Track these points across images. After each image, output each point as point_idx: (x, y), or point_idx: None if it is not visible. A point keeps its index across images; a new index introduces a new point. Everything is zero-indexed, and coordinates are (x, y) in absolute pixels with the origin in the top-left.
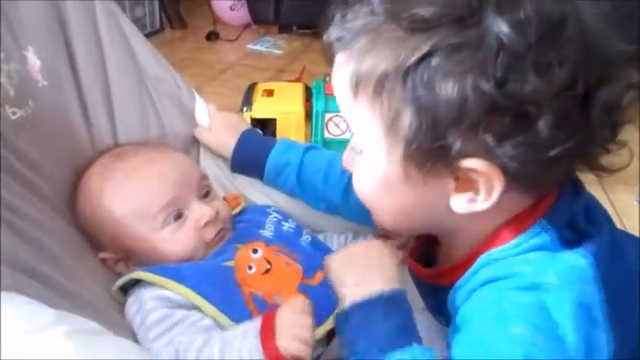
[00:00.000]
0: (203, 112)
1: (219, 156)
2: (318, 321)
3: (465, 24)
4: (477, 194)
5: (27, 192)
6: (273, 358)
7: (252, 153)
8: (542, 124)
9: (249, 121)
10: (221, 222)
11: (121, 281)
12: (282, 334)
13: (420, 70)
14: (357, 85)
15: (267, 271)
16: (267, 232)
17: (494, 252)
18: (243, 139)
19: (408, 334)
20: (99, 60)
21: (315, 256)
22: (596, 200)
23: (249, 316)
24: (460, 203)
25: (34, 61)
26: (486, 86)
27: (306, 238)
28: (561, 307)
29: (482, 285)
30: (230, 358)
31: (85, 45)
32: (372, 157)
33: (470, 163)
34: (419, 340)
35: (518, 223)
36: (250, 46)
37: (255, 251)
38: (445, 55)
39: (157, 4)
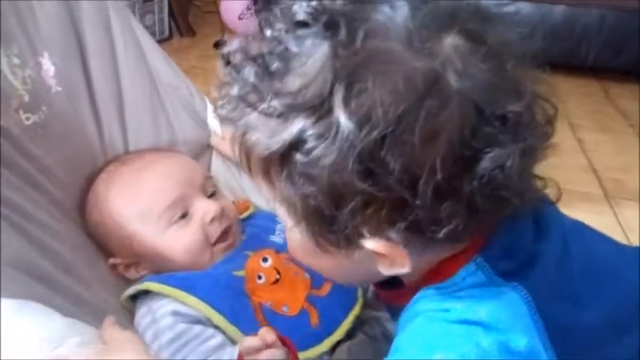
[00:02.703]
0: (216, 119)
1: (235, 163)
2: (326, 333)
3: (318, 114)
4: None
5: (41, 197)
6: None
7: None
8: (420, 208)
9: None
10: (227, 220)
11: (129, 291)
12: None
13: (292, 162)
14: (247, 164)
15: (277, 281)
16: (278, 238)
17: (430, 289)
18: None
19: None
20: (112, 66)
21: None
22: (548, 209)
23: (257, 327)
24: (384, 268)
25: (48, 67)
26: (352, 181)
27: None
28: (489, 343)
29: (417, 316)
30: None
31: (99, 51)
32: (288, 228)
33: (368, 244)
34: None
35: (456, 260)
36: None
37: (265, 260)
38: (307, 148)
39: (166, 12)
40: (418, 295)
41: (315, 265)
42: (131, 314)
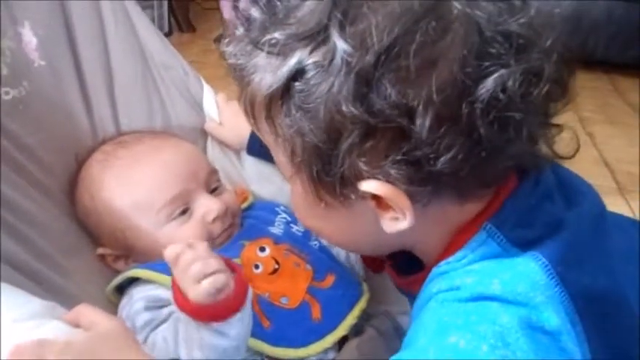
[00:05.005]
0: (211, 101)
1: (233, 150)
2: (329, 327)
3: (315, 42)
4: (397, 212)
5: (19, 178)
6: (198, 313)
7: None
8: (418, 138)
9: None
10: (230, 217)
11: (116, 281)
12: (184, 286)
13: (291, 96)
14: (252, 112)
15: (275, 271)
16: (277, 229)
17: (442, 265)
18: None
19: None
20: (101, 41)
21: (325, 258)
22: (573, 177)
23: (254, 319)
24: (386, 223)
25: (29, 39)
26: (347, 108)
27: (314, 243)
28: (509, 319)
29: (429, 301)
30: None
31: (86, 24)
32: (291, 183)
33: (365, 186)
34: None
35: (465, 231)
36: None
37: (262, 249)
38: (305, 78)
39: (166, 8)
40: (430, 274)
41: (317, 225)
42: (117, 309)
